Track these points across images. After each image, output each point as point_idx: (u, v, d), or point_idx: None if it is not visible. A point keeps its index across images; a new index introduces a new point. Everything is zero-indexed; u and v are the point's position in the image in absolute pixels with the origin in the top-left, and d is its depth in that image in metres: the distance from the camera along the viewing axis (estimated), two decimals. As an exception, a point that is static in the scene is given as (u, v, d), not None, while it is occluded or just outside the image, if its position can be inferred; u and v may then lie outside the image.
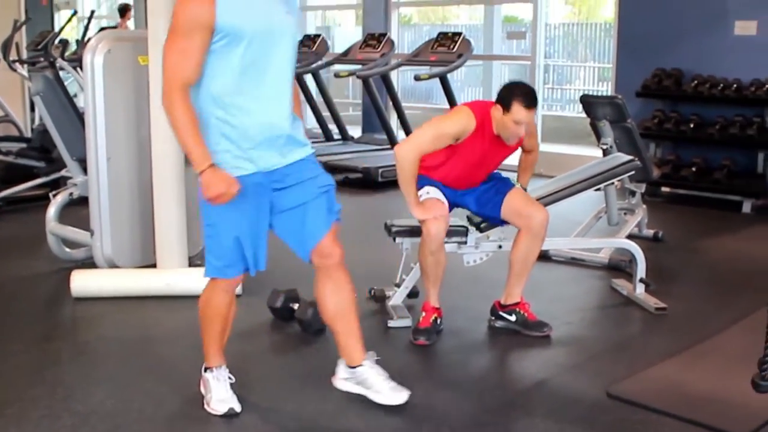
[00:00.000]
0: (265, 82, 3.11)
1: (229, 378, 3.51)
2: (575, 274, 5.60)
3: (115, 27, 13.03)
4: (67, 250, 5.69)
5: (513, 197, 4.37)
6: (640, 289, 4.93)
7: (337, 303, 3.39)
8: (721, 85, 7.81)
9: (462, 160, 4.30)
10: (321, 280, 3.38)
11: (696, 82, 7.97)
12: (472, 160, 4.29)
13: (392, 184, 8.84)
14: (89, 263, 5.45)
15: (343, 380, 3.54)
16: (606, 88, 9.96)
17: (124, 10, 13.02)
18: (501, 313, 4.48)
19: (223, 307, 3.40)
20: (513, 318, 4.44)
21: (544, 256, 5.76)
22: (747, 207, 7.53)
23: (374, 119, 10.40)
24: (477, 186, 4.46)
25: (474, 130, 4.14)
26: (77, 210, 5.77)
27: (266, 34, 3.07)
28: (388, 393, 3.46)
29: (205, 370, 3.51)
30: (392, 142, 9.97)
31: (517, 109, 4.07)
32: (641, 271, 4.92)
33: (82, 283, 4.94)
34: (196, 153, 3.04)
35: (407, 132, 10.01)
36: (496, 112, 4.15)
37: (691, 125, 7.94)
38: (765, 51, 7.80)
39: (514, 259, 4.39)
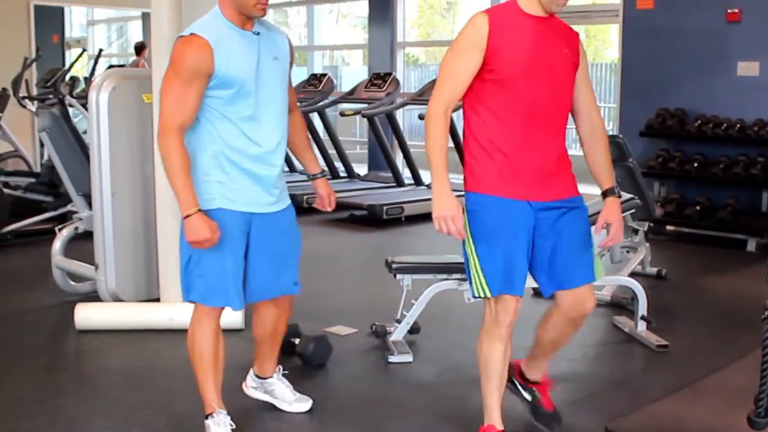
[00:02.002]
0: (255, 124, 3.27)
1: (231, 425, 3.46)
2: (577, 311, 5.59)
3: (123, 66, 13.15)
4: (72, 283, 5.73)
5: None
6: (642, 326, 4.94)
7: (275, 329, 3.72)
8: (725, 124, 7.85)
9: (514, 94, 3.11)
10: (268, 306, 3.63)
11: (699, 121, 8.01)
12: (527, 85, 3.10)
13: (397, 221, 8.94)
14: (93, 296, 5.49)
15: (252, 388, 3.89)
16: (611, 128, 10.01)
17: (140, 48, 13.17)
18: (517, 384, 3.72)
19: (210, 336, 3.40)
20: (528, 397, 3.70)
21: (546, 293, 5.78)
22: (751, 245, 7.53)
23: (380, 157, 10.47)
24: (557, 195, 3.24)
25: (489, 28, 3.06)
26: (83, 244, 5.80)
27: (255, 79, 3.23)
28: (294, 403, 3.82)
29: (206, 417, 3.46)
30: (397, 180, 10.03)
31: None
32: (642, 308, 4.92)
33: (86, 315, 4.97)
34: (184, 196, 3.14)
35: (413, 170, 10.07)
36: None
37: (695, 164, 7.96)
38: (767, 91, 7.84)
39: (545, 338, 3.51)
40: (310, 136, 10.34)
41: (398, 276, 4.70)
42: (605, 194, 3.32)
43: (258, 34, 3.28)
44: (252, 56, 3.24)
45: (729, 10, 8.03)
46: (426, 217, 9.20)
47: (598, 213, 3.33)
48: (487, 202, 3.17)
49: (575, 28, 3.31)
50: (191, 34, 3.15)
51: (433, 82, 9.44)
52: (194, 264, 3.30)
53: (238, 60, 3.19)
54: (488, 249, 3.16)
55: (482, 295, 3.20)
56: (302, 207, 9.11)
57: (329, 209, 3.75)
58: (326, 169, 10.71)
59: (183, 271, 3.36)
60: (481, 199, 3.18)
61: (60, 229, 5.85)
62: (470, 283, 3.23)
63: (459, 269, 4.60)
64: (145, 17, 14.16)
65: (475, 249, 3.18)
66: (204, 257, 3.27)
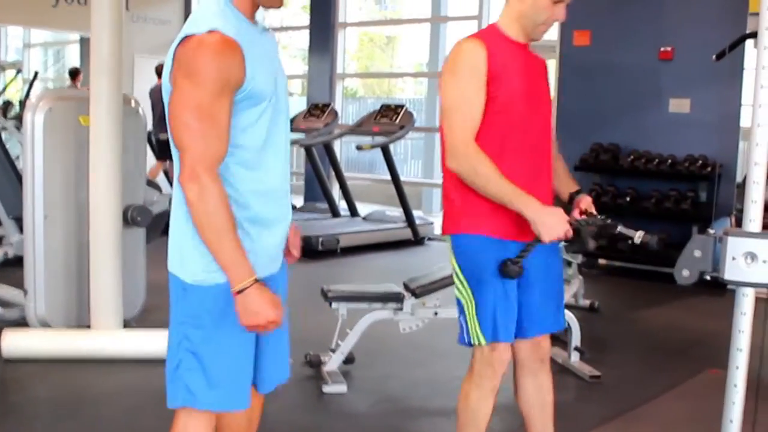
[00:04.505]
0: (277, 152, 2.39)
1: None
2: (512, 342, 5.62)
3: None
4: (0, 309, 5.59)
5: None
6: (576, 357, 4.98)
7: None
8: (657, 160, 8.03)
9: (512, 123, 2.91)
10: None
11: (632, 157, 8.17)
12: (524, 112, 2.93)
13: (332, 252, 8.92)
14: (22, 323, 5.35)
15: None
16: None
17: (75, 74, 13.00)
18: None
19: None
20: None
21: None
22: (678, 281, 7.64)
23: (316, 188, 10.47)
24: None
25: (487, 53, 2.86)
26: (12, 270, 5.67)
27: (276, 95, 2.37)
28: None
29: None
30: (333, 211, 10.04)
31: None
32: (576, 339, 4.97)
33: (13, 343, 4.85)
34: (239, 261, 2.20)
35: (349, 202, 10.06)
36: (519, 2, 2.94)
37: (628, 199, 8.12)
38: (698, 128, 8.04)
39: (530, 409, 3.25)
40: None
41: (334, 305, 4.68)
42: (573, 195, 3.11)
43: (266, 30, 2.41)
44: (271, 62, 2.37)
45: (662, 48, 8.24)
46: (362, 249, 9.29)
47: None
48: (482, 244, 2.93)
49: None
50: (211, 30, 2.18)
51: (372, 114, 9.51)
52: (191, 351, 2.34)
53: (263, 67, 2.29)
54: (485, 294, 2.92)
55: (477, 343, 2.96)
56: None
57: (294, 257, 2.68)
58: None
59: (183, 357, 2.35)
60: (474, 241, 2.93)
61: (-12, 254, 5.72)
62: (465, 329, 2.98)
63: (395, 298, 4.60)
64: (83, 42, 14.01)
65: (472, 294, 2.95)
66: (216, 338, 2.34)
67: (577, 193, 3.08)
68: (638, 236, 2.96)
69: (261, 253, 2.35)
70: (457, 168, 2.84)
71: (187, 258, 2.31)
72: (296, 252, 2.66)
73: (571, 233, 2.81)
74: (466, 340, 2.98)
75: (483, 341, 2.94)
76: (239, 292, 2.20)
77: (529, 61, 2.99)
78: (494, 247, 2.91)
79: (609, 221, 2.93)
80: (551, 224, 2.75)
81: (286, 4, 2.47)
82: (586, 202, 3.06)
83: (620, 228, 2.96)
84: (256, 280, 2.21)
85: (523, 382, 3.16)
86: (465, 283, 2.96)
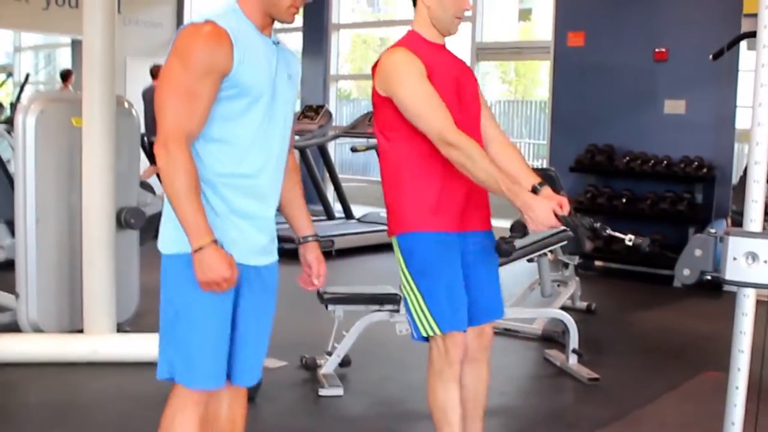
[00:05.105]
0: (263, 152, 2.54)
1: None
2: (509, 344, 5.59)
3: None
4: (-9, 313, 5.54)
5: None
6: (573, 359, 4.95)
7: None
8: (652, 161, 8.01)
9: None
10: (222, 398, 2.69)
11: (628, 158, 8.15)
12: (453, 107, 3.01)
13: (327, 255, 8.81)
14: (13, 327, 5.30)
15: None
16: (541, 164, 10.16)
17: (66, 76, 12.95)
18: None
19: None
20: None
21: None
22: (678, 281, 7.62)
23: (311, 190, 10.41)
24: (480, 225, 3.20)
25: (419, 57, 3.01)
26: (3, 274, 5.62)
27: (270, 97, 2.53)
28: None
29: None
30: (328, 213, 10.00)
31: None
32: (574, 341, 4.94)
33: (5, 347, 4.79)
34: (196, 223, 2.37)
35: (344, 204, 10.04)
36: None
37: (623, 200, 8.10)
38: (693, 129, 8.02)
39: (464, 398, 3.26)
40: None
41: (330, 307, 4.64)
42: (536, 187, 3.02)
43: (278, 43, 2.60)
44: (271, 67, 2.53)
45: (657, 49, 8.22)
46: (357, 251, 9.26)
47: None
48: (424, 239, 3.05)
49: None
50: (207, 21, 2.42)
51: (366, 115, 9.47)
52: (183, 323, 2.49)
53: (257, 64, 2.48)
54: (431, 286, 3.04)
55: (430, 334, 3.05)
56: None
57: (315, 285, 2.89)
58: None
59: (166, 330, 2.53)
60: (416, 238, 3.05)
61: (-20, 258, 5.66)
62: (414, 325, 3.09)
63: (391, 300, 4.57)
64: (75, 44, 13.95)
65: (417, 288, 3.06)
66: (194, 314, 2.48)
67: (541, 185, 3.04)
68: (629, 239, 2.99)
69: (247, 241, 2.53)
70: (456, 158, 2.89)
71: (163, 231, 2.54)
72: (318, 282, 2.88)
73: (558, 225, 2.89)
74: (420, 335, 3.09)
75: (438, 331, 3.04)
76: (197, 250, 2.37)
77: (451, 59, 3.14)
78: (439, 241, 3.04)
79: (598, 224, 2.95)
80: (539, 214, 2.84)
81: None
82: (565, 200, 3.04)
83: (609, 230, 2.99)
84: (214, 241, 2.38)
85: (465, 370, 3.21)
86: (411, 279, 3.07)
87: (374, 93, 3.09)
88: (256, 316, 2.61)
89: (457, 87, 3.08)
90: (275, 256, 2.67)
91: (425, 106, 2.93)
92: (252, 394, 4.24)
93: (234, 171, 2.49)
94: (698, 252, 2.63)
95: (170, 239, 2.51)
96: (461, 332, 3.07)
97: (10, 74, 13.21)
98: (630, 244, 3.00)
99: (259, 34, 2.52)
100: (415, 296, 3.07)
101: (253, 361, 2.65)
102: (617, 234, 2.99)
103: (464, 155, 2.87)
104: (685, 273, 2.70)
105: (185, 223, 2.38)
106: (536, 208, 2.83)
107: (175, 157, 2.36)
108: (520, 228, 2.92)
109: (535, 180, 3.05)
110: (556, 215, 2.86)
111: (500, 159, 3.09)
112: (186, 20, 2.38)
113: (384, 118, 3.08)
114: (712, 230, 2.57)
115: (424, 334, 3.07)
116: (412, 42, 3.06)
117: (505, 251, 2.97)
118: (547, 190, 3.01)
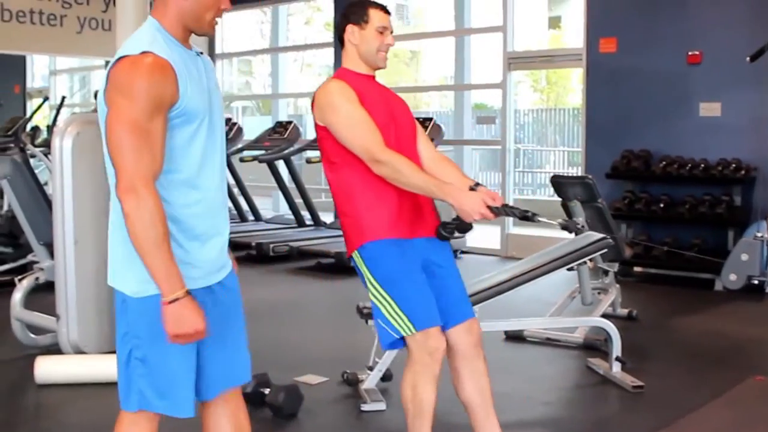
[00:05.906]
0: (212, 169, 2.51)
1: None
2: (551, 354, 5.54)
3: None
4: (32, 336, 5.57)
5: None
6: (617, 367, 4.88)
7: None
8: (689, 165, 7.91)
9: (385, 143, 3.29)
10: (217, 407, 2.67)
11: (664, 162, 8.06)
12: (387, 132, 3.28)
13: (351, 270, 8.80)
14: (55, 349, 5.33)
15: None
16: (576, 171, 10.09)
17: (101, 96, 13.08)
18: None
19: None
20: None
21: (518, 337, 5.73)
22: (719, 285, 7.51)
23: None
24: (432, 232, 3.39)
25: (354, 89, 3.29)
26: (44, 295, 5.66)
27: (211, 113, 2.50)
28: None
29: None
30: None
31: (375, 14, 3.36)
32: (617, 349, 4.87)
33: (47, 369, 4.82)
34: (169, 273, 2.30)
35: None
36: (353, 35, 3.35)
37: (661, 205, 8.00)
38: (730, 131, 7.93)
39: (469, 396, 3.45)
40: (276, 184, 10.40)
41: (370, 321, 4.61)
42: (473, 188, 3.26)
43: (200, 54, 2.55)
44: (202, 82, 2.48)
45: (690, 53, 8.14)
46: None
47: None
48: (385, 247, 3.26)
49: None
50: (144, 52, 2.32)
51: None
52: (139, 359, 2.44)
53: (197, 86, 2.43)
54: (400, 288, 3.25)
55: (407, 332, 3.23)
56: (268, 255, 9.09)
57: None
58: (292, 216, 10.71)
59: (124, 368, 2.47)
60: (377, 246, 3.27)
61: (20, 280, 5.70)
62: (390, 328, 3.26)
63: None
64: (108, 67, 14.08)
65: (387, 293, 3.25)
66: (156, 349, 2.43)
67: (477, 185, 3.28)
68: (557, 222, 3.35)
69: (198, 265, 2.48)
70: (386, 173, 3.18)
71: (124, 270, 2.44)
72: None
73: (490, 215, 3.13)
74: (395, 337, 3.26)
75: (414, 330, 3.21)
76: (171, 302, 2.30)
77: (381, 88, 3.44)
78: (397, 247, 3.27)
79: (529, 212, 3.17)
80: (469, 206, 3.11)
81: (215, 30, 2.60)
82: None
83: (540, 217, 3.19)
84: (187, 293, 2.32)
85: (460, 370, 3.39)
86: (379, 286, 3.26)
87: (315, 125, 3.33)
88: (221, 327, 2.54)
89: (390, 110, 3.36)
90: (230, 265, 2.64)
91: (355, 130, 3.22)
92: (294, 411, 4.23)
93: (193, 198, 2.45)
94: (744, 257, 2.59)
95: (131, 279, 2.42)
96: (439, 330, 3.26)
97: (46, 98, 13.36)
98: (559, 228, 3.37)
99: (184, 50, 2.47)
100: (387, 302, 3.25)
101: (221, 374, 2.60)
102: (547, 220, 3.26)
103: (392, 169, 3.16)
104: (731, 278, 2.66)
105: (157, 273, 2.30)
106: (465, 200, 3.12)
107: (147, 202, 2.27)
108: (458, 218, 3.18)
109: (471, 182, 3.32)
110: (489, 207, 3.12)
111: (437, 171, 3.39)
112: (117, 52, 2.40)
113: (327, 147, 3.32)
114: (759, 234, 2.53)
115: (403, 333, 3.24)
116: (343, 75, 3.36)
117: (443, 237, 3.31)
118: (483, 189, 3.25)
